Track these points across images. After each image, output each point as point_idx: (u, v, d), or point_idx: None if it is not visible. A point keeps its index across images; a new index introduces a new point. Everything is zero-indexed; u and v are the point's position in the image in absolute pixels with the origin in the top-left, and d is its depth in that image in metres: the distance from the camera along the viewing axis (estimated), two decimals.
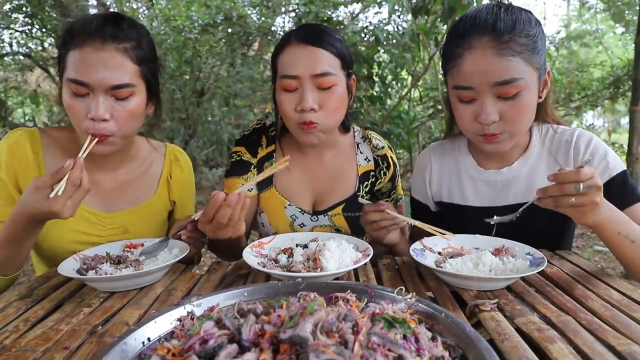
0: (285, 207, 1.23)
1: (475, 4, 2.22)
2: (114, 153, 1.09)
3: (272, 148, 1.27)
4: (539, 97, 1.02)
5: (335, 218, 1.24)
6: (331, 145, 1.26)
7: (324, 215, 1.24)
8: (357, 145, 1.30)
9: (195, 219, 0.99)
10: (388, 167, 1.29)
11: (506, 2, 1.03)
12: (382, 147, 1.30)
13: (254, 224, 1.32)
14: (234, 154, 1.26)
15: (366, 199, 1.25)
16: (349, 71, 1.17)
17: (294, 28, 1.16)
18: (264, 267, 0.91)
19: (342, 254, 0.94)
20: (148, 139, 1.27)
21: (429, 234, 1.02)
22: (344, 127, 1.27)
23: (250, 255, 0.95)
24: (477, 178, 1.16)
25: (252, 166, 1.25)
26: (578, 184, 0.80)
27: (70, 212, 0.87)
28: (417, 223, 1.02)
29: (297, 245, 1.04)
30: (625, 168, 1.07)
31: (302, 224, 1.24)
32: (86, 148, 0.96)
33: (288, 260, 0.96)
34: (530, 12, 0.99)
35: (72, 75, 0.98)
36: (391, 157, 1.31)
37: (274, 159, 1.26)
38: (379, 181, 1.29)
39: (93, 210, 1.12)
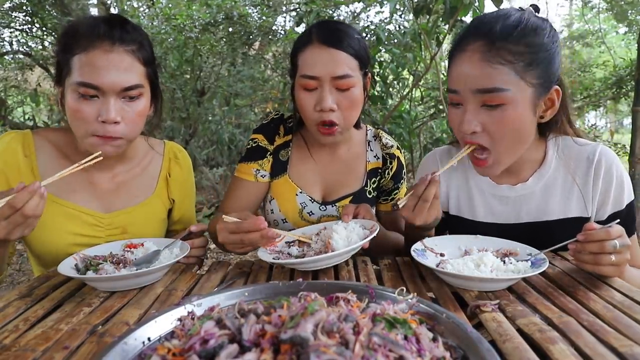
0: (297, 195, 1.28)
1: (477, 4, 2.21)
2: (118, 154, 1.08)
3: (289, 137, 1.31)
4: (541, 117, 0.94)
5: (342, 209, 1.27)
6: (345, 140, 1.29)
7: (332, 206, 1.28)
8: (368, 143, 1.34)
9: (193, 230, 1.06)
10: (393, 165, 1.31)
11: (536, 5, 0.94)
12: (391, 146, 1.33)
13: (264, 212, 1.36)
14: (250, 141, 1.31)
15: (373, 195, 1.31)
16: (365, 71, 1.19)
17: (315, 25, 1.16)
18: (278, 260, 0.95)
19: (349, 234, 0.98)
20: (146, 138, 1.25)
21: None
22: (356, 124, 1.30)
23: (265, 254, 0.98)
24: (488, 192, 1.11)
25: (269, 153, 1.29)
26: (615, 242, 0.79)
27: (2, 233, 0.82)
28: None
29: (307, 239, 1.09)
30: (634, 197, 1.04)
31: (311, 212, 1.28)
32: (83, 164, 0.94)
33: (299, 250, 1.02)
34: (548, 22, 0.90)
35: (80, 78, 0.96)
36: (398, 157, 1.33)
37: (290, 148, 1.30)
38: (384, 179, 1.32)
39: (91, 211, 1.11)
